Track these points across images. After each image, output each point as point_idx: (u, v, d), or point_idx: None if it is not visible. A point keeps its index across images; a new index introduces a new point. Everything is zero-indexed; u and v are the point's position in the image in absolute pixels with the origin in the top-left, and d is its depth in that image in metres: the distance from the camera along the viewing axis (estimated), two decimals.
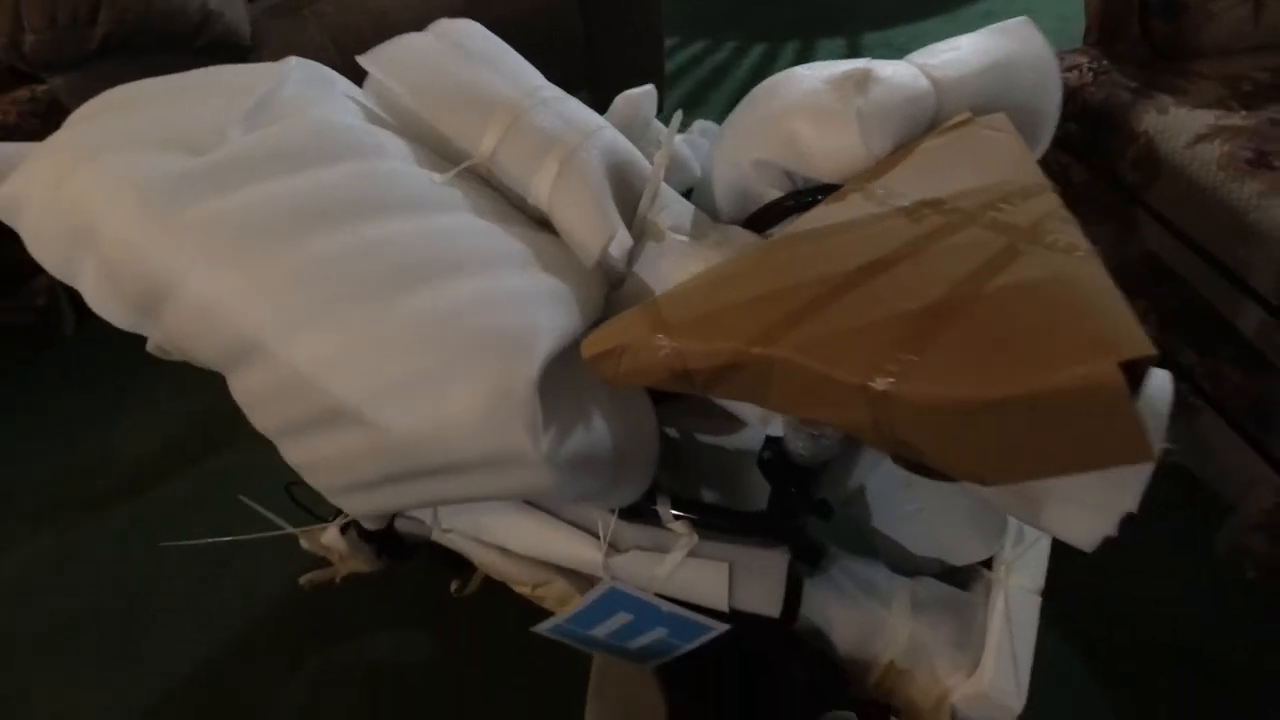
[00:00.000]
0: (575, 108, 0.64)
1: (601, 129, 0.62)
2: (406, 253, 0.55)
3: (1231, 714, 0.89)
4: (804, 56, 2.17)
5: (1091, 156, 1.06)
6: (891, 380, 0.40)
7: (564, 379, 0.54)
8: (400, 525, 0.86)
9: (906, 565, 0.79)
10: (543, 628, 0.76)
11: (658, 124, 0.69)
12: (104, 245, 0.58)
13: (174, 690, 1.03)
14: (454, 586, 0.91)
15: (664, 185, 0.63)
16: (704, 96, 2.01)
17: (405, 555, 0.92)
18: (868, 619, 0.73)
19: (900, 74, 0.55)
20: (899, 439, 0.43)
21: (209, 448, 1.32)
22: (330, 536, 0.87)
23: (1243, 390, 0.92)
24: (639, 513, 0.67)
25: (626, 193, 0.62)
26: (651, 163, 0.62)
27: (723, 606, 0.67)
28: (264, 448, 0.65)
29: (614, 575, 0.68)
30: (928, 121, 0.55)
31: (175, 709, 1.02)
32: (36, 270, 1.49)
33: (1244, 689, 0.91)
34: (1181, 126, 0.95)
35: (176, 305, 0.57)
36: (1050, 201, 0.44)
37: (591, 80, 1.65)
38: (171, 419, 1.40)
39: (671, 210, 0.61)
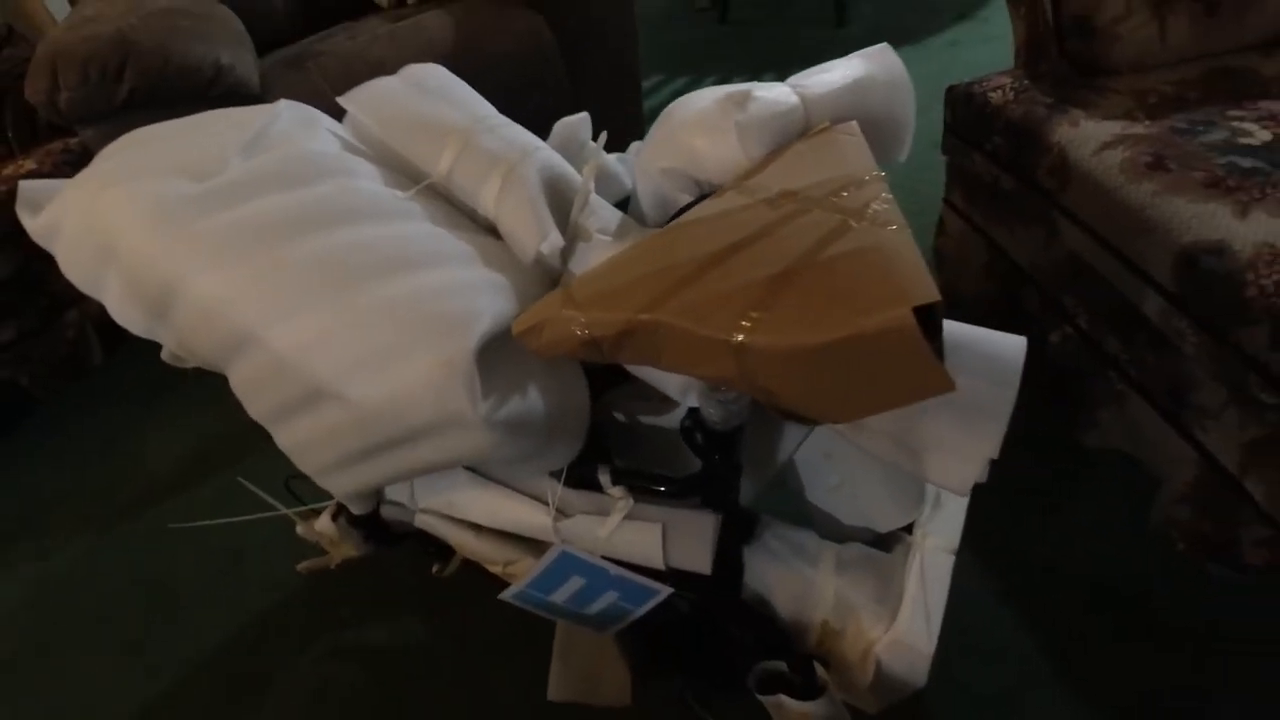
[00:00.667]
0: (517, 132, 0.75)
1: (539, 149, 0.73)
2: (372, 252, 0.66)
3: (1178, 680, 0.94)
4: None
5: (1014, 167, 1.15)
6: (745, 334, 0.50)
7: (503, 356, 0.64)
8: (385, 512, 0.95)
9: (839, 535, 0.87)
10: (508, 594, 0.84)
11: (593, 145, 0.79)
12: (124, 258, 0.69)
13: (193, 674, 1.13)
14: (435, 568, 1.00)
15: (594, 195, 0.74)
16: None
17: (391, 542, 1.02)
18: (798, 579, 0.81)
19: (774, 93, 0.65)
20: (761, 386, 0.53)
21: (223, 460, 1.44)
22: (322, 523, 0.96)
23: (1159, 373, 0.99)
24: (583, 481, 0.76)
25: (560, 202, 0.72)
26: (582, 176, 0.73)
27: (658, 565, 0.75)
28: (269, 457, 0.75)
29: (563, 538, 0.77)
30: (798, 130, 0.65)
31: (194, 691, 1.11)
32: (67, 305, 1.63)
33: (1194, 657, 0.96)
34: (1089, 136, 1.04)
35: (184, 305, 0.68)
36: (878, 188, 0.53)
37: None
38: (190, 436, 1.52)
39: (599, 216, 0.72)
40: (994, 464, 0.66)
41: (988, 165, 1.22)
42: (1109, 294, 1.04)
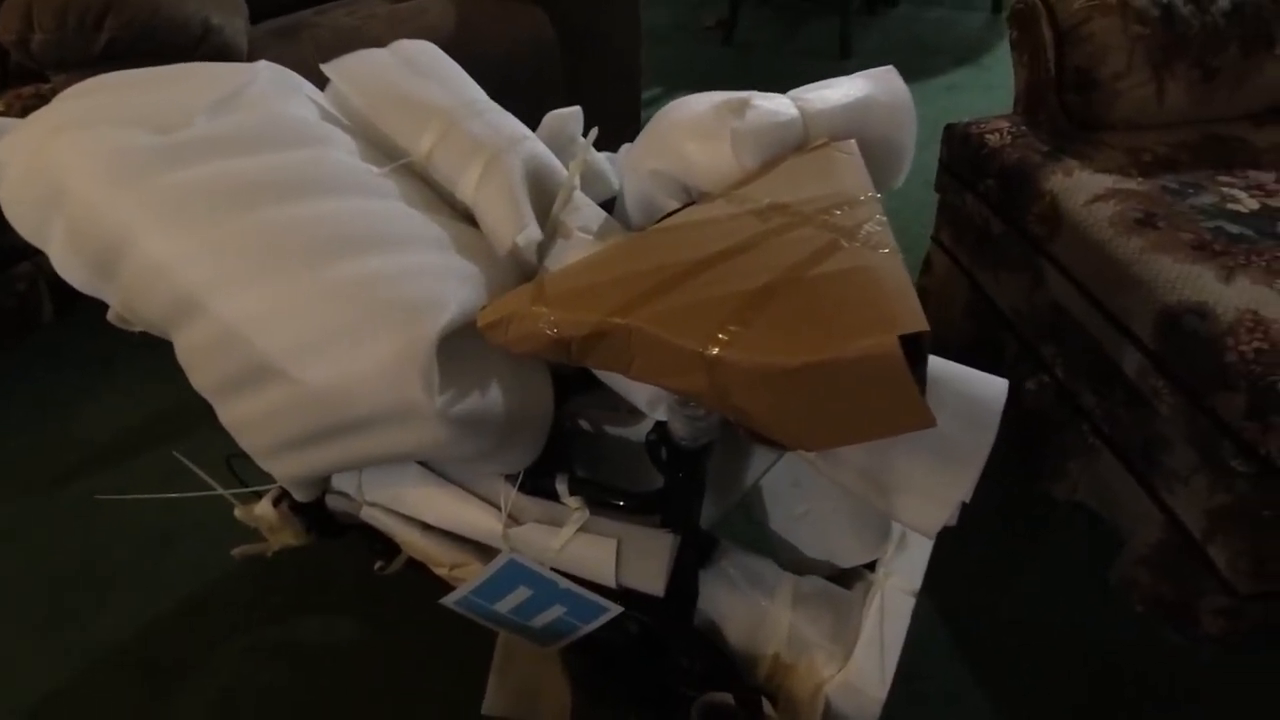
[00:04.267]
0: (505, 120, 0.72)
1: (525, 139, 0.70)
2: (337, 227, 0.62)
3: None
4: None
5: (1005, 211, 1.15)
6: (721, 348, 0.47)
7: (467, 349, 0.61)
8: (330, 502, 0.90)
9: (800, 566, 0.84)
10: (449, 600, 0.80)
11: (582, 141, 0.77)
12: (71, 207, 0.65)
13: (109, 656, 1.06)
14: (377, 565, 0.96)
15: (579, 193, 0.71)
16: None
17: (335, 533, 0.97)
18: (752, 609, 0.78)
19: (774, 104, 0.63)
20: (733, 404, 0.50)
21: (168, 434, 1.37)
22: (262, 508, 0.91)
23: (1131, 430, 0.99)
24: (539, 488, 0.72)
25: (543, 196, 0.69)
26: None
27: (610, 582, 0.71)
28: (213, 434, 0.71)
29: (513, 546, 0.73)
30: (794, 144, 0.63)
31: (110, 671, 1.05)
32: (20, 258, 1.56)
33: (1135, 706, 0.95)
34: (1082, 187, 1.04)
35: (131, 264, 0.64)
36: (873, 209, 0.51)
37: None
38: (134, 407, 1.46)
39: (582, 214, 0.69)
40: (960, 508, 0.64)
41: (979, 207, 1.21)
42: (1088, 346, 1.03)
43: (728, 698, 0.74)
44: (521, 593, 0.77)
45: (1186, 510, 0.92)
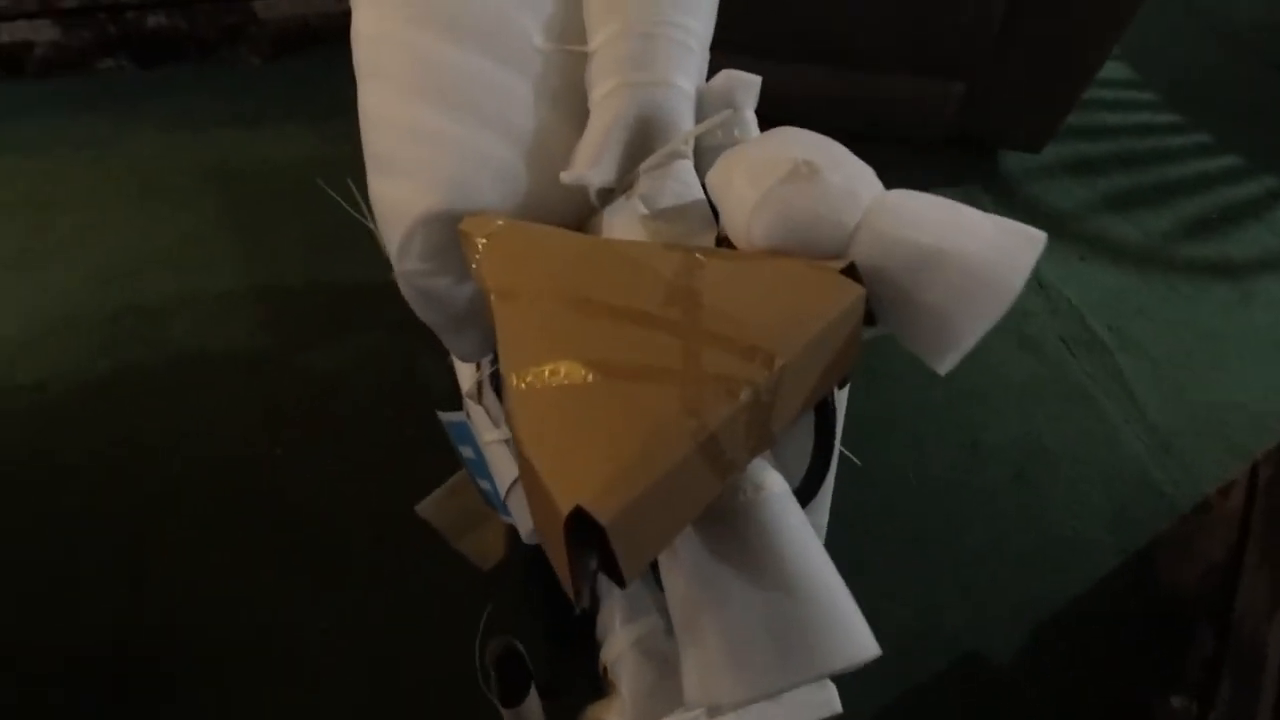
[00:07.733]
0: (667, 51, 0.66)
1: (661, 86, 0.65)
2: (460, 80, 0.67)
3: None
4: None
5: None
6: (515, 387, 0.45)
7: None
8: None
9: None
10: (443, 415, 0.91)
11: (745, 115, 0.67)
12: None
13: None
14: None
15: (684, 163, 0.65)
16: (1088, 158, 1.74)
17: None
18: (607, 613, 0.77)
19: (838, 190, 0.48)
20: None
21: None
22: None
23: None
24: (496, 383, 0.77)
25: (648, 145, 0.65)
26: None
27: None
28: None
29: (468, 411, 0.80)
30: (828, 252, 0.49)
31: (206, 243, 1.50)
32: None
33: None
34: None
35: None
36: (755, 375, 0.40)
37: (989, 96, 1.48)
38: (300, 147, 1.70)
39: (665, 185, 0.63)
40: None
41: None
42: None
43: (519, 649, 0.77)
44: (470, 452, 0.85)
45: None
